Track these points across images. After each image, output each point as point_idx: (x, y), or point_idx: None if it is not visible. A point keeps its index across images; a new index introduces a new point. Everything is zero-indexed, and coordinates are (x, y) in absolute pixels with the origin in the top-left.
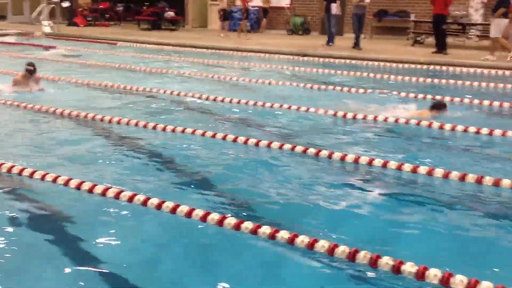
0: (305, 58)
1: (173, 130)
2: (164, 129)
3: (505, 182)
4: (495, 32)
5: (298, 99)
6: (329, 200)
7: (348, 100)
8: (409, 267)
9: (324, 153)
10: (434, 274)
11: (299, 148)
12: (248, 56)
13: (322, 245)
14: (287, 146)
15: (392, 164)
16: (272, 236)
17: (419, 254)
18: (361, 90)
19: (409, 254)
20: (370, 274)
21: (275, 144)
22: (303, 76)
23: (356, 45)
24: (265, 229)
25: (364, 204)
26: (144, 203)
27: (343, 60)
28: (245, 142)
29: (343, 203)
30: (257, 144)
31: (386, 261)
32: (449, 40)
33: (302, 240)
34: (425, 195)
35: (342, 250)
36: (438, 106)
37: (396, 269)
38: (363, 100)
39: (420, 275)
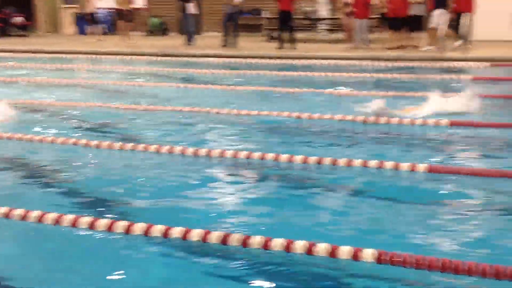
0: (167, 58)
1: (31, 139)
2: (20, 139)
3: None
4: (435, 23)
5: (164, 99)
6: (192, 195)
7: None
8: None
9: (190, 150)
10: (324, 248)
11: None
12: (108, 59)
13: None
14: (153, 147)
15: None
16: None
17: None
18: (240, 88)
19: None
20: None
21: (139, 146)
22: (166, 76)
23: (228, 43)
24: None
25: (226, 193)
26: None
27: (205, 59)
28: (108, 147)
29: (209, 195)
30: (121, 148)
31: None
32: (301, 35)
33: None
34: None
35: (217, 235)
36: None
37: (265, 245)
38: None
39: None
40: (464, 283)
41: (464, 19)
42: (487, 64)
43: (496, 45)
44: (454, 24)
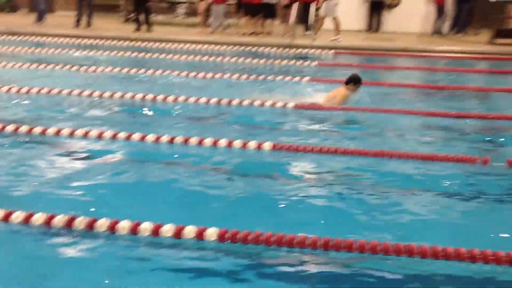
0: (14, 37)
1: None
2: None
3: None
4: (324, 12)
5: (10, 80)
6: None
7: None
8: (124, 224)
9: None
10: (145, 227)
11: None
12: None
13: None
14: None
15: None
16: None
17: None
18: (92, 69)
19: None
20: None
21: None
22: (12, 56)
23: (82, 23)
24: None
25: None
26: None
27: (56, 39)
28: None
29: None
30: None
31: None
32: (160, 18)
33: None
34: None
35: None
36: (355, 79)
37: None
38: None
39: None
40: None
41: (311, 9)
42: (332, 51)
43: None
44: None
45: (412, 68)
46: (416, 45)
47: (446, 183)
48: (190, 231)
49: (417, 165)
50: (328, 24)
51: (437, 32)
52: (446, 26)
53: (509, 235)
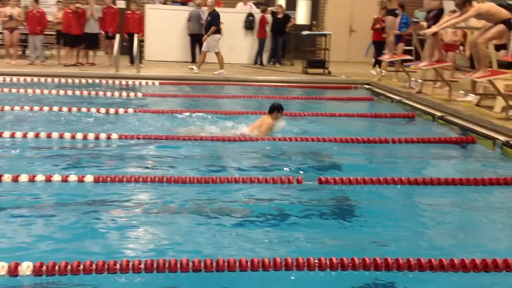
0: None
1: None
2: None
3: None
4: (206, 47)
5: None
6: None
7: None
8: None
9: None
10: None
11: None
12: None
13: None
14: None
15: None
16: None
17: None
18: None
19: None
20: None
21: None
22: None
23: None
24: None
25: None
26: None
27: None
28: None
29: None
30: None
31: None
32: None
33: None
34: None
35: None
36: (278, 107)
37: None
38: None
39: None
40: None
41: (134, 40)
42: (157, 82)
43: (165, 65)
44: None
45: (234, 96)
46: (239, 75)
47: (267, 203)
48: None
49: (240, 187)
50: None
51: (258, 63)
52: (265, 57)
53: (319, 243)
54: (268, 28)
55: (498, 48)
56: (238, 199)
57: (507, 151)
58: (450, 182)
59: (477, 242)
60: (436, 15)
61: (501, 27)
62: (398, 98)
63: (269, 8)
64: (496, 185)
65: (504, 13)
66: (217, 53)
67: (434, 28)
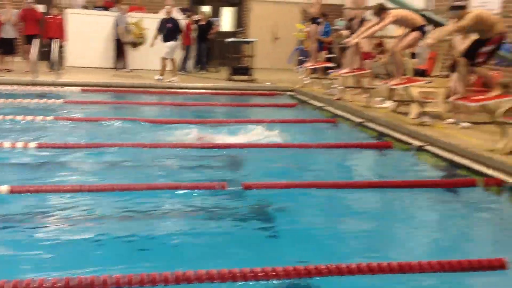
0: None
1: None
2: None
3: None
4: (166, 54)
5: None
6: None
7: None
8: None
9: None
10: None
11: None
12: None
13: None
14: None
15: None
16: None
17: None
18: None
19: None
20: None
21: None
22: None
23: None
24: None
25: None
26: None
27: None
28: None
29: None
30: None
31: None
32: None
33: None
34: None
35: None
36: None
37: None
38: None
39: None
40: None
41: (54, 45)
42: (79, 89)
43: (87, 71)
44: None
45: (158, 103)
46: (163, 82)
47: (192, 209)
48: None
49: (163, 194)
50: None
51: (183, 69)
52: (191, 64)
53: (247, 251)
54: (193, 35)
55: (413, 56)
56: (161, 206)
57: (421, 155)
58: (368, 185)
59: (394, 244)
60: (357, 24)
61: (416, 34)
62: (320, 104)
63: (193, 16)
64: (410, 187)
65: (419, 19)
66: (172, 60)
67: (354, 39)
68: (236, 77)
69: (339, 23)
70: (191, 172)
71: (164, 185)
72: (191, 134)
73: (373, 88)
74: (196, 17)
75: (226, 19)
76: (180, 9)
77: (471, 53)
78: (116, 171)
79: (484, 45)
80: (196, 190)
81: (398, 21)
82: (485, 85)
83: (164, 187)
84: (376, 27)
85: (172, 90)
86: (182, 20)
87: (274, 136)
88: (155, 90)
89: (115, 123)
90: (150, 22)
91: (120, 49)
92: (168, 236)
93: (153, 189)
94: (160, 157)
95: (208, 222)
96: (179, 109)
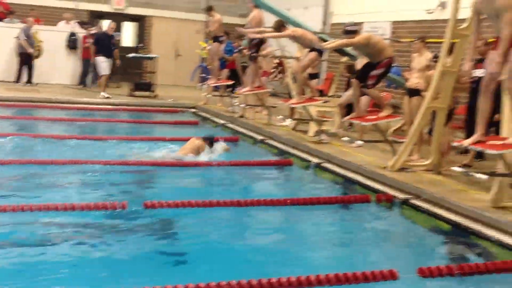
0: None
1: None
2: None
3: None
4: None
5: None
6: None
7: None
8: None
9: None
10: None
11: None
12: None
13: None
14: None
15: None
16: None
17: None
18: None
19: None
20: None
21: None
22: None
23: None
24: None
25: None
26: None
27: None
28: None
29: None
30: None
31: None
32: None
33: None
34: None
35: None
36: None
37: None
38: None
39: None
40: None
41: None
42: None
43: None
44: None
45: (57, 119)
46: (62, 97)
47: (91, 230)
48: None
49: (59, 214)
50: None
51: (82, 83)
52: (90, 79)
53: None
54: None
55: (311, 77)
56: (57, 227)
57: (320, 172)
58: (270, 203)
59: (295, 259)
60: (257, 44)
61: (313, 54)
62: (222, 121)
63: (92, 29)
64: (310, 204)
65: (316, 39)
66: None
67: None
68: (137, 93)
69: (244, 43)
70: (90, 191)
71: (60, 205)
72: (91, 151)
73: (274, 107)
74: (93, 30)
75: (128, 34)
76: (78, 22)
77: (362, 75)
78: (7, 189)
79: (374, 68)
80: (94, 210)
81: (297, 38)
82: (376, 106)
83: (61, 208)
84: (276, 34)
85: (70, 105)
86: (80, 33)
87: (175, 154)
88: (54, 105)
89: (5, 139)
90: (46, 34)
91: (24, 62)
92: (64, 258)
93: (48, 209)
94: (57, 176)
95: (107, 242)
96: (78, 125)
